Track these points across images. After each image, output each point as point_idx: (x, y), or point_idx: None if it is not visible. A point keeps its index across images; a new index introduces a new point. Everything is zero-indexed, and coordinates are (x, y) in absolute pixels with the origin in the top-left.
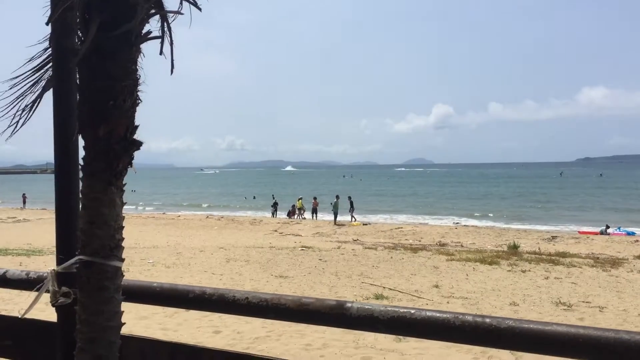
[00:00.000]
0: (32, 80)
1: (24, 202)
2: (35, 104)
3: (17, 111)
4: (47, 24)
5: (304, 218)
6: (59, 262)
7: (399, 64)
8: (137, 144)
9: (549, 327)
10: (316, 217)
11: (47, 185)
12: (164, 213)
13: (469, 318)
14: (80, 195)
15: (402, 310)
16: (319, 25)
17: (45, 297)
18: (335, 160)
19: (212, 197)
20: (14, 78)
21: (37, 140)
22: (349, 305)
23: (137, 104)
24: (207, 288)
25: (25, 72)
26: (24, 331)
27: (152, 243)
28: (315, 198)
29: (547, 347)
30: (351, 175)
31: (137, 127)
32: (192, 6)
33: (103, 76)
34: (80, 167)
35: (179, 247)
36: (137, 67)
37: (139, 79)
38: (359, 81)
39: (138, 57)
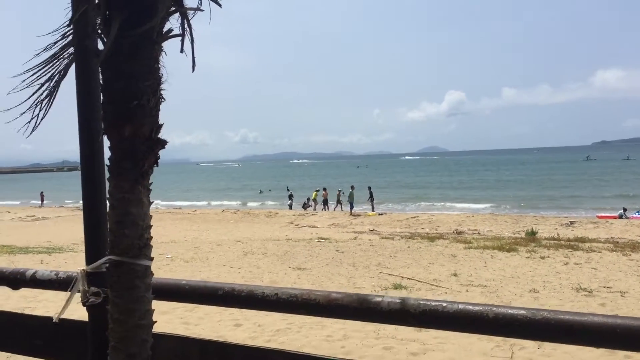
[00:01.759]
0: (46, 71)
1: (42, 200)
2: (53, 95)
3: (35, 103)
4: (69, 25)
5: (321, 209)
6: (88, 262)
7: (410, 51)
8: (162, 143)
9: (585, 317)
10: (328, 208)
11: (64, 183)
12: (179, 208)
13: (503, 310)
14: (108, 196)
15: (434, 303)
16: (330, 15)
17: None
18: (349, 151)
19: (226, 190)
20: (27, 70)
21: (52, 138)
22: (379, 299)
23: (161, 103)
24: (236, 285)
25: (39, 65)
26: (55, 330)
27: (170, 238)
28: (325, 189)
29: (584, 338)
30: (366, 165)
31: (161, 125)
32: (211, 2)
33: (126, 76)
34: (107, 167)
35: (197, 242)
36: (160, 65)
37: (161, 77)
38: (371, 70)
39: (160, 55)
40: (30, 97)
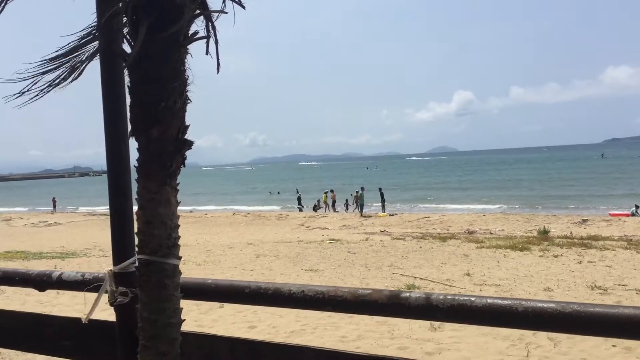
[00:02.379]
0: (55, 64)
1: (54, 206)
2: (53, 84)
3: (32, 87)
4: (96, 31)
5: (331, 210)
6: (115, 263)
7: (417, 51)
8: (189, 144)
9: (615, 309)
10: (334, 209)
11: (75, 188)
12: (191, 211)
13: (532, 304)
14: (137, 197)
15: (462, 298)
16: (337, 16)
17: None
18: (358, 152)
19: (236, 194)
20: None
21: (63, 144)
22: (407, 294)
23: (187, 104)
24: (261, 283)
25: (51, 57)
26: (83, 331)
27: (182, 241)
28: (332, 190)
29: (614, 330)
30: (376, 166)
31: (188, 126)
32: (234, 4)
33: (153, 78)
34: (135, 168)
35: (208, 245)
36: (185, 67)
37: (187, 79)
38: (378, 71)
39: (186, 57)
40: (34, 78)
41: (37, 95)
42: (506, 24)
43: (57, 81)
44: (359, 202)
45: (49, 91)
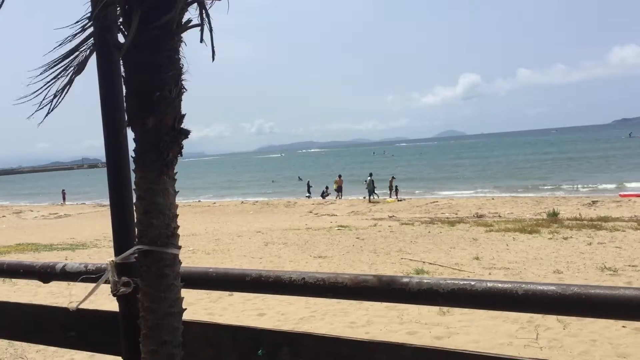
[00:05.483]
0: (63, 65)
1: (64, 198)
2: (65, 90)
3: (46, 96)
4: (89, 20)
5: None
6: (117, 253)
7: (421, 35)
8: (185, 133)
9: (616, 291)
10: (341, 195)
11: (84, 180)
12: (198, 201)
13: (533, 287)
14: (134, 187)
15: (462, 282)
16: (341, 2)
17: (104, 287)
18: (366, 138)
19: (243, 182)
20: (45, 65)
21: (70, 136)
22: (407, 280)
23: (182, 93)
24: (262, 270)
25: (56, 58)
26: (88, 322)
27: (191, 231)
28: (339, 176)
29: (616, 311)
30: (384, 151)
31: (184, 115)
32: None
33: (148, 68)
34: (132, 158)
35: (217, 234)
36: (180, 56)
37: (182, 67)
38: (382, 57)
39: (180, 46)
40: (46, 86)
41: (53, 104)
42: (511, 4)
43: (67, 84)
44: (367, 187)
45: (63, 97)
